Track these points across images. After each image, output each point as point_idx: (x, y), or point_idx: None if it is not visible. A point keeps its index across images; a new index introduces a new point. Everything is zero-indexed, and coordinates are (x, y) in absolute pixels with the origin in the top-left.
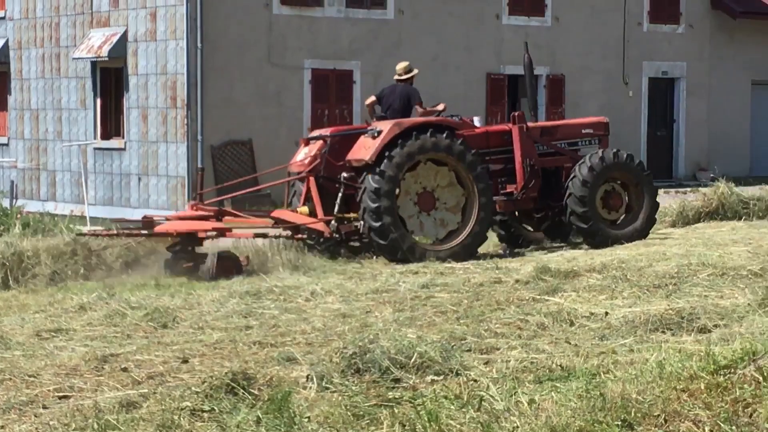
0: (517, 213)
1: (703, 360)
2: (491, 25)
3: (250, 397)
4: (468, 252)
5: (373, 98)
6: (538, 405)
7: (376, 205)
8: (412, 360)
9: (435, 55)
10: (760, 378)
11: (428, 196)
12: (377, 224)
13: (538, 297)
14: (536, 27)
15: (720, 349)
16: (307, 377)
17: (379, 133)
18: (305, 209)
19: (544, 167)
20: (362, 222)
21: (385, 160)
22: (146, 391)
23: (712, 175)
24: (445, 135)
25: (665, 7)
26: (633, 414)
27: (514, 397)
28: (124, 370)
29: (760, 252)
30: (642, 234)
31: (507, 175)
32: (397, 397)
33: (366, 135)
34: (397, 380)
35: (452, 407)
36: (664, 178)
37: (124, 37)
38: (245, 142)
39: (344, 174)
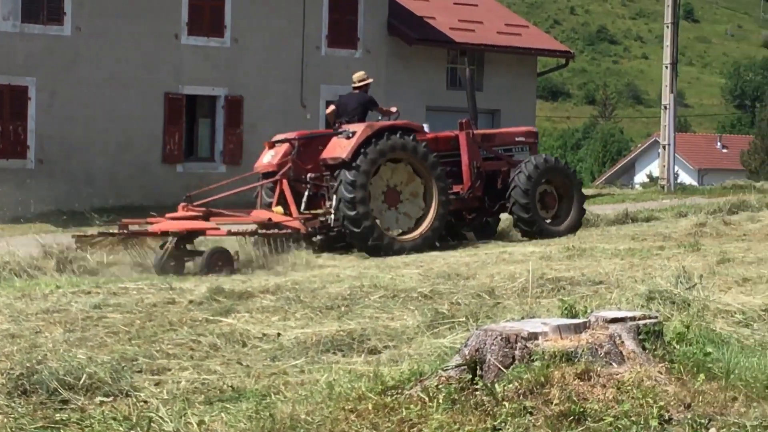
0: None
1: (371, 381)
2: (170, 44)
3: None
4: (428, 243)
5: (332, 107)
6: (208, 426)
7: (351, 195)
8: (81, 381)
9: (113, 73)
10: (426, 398)
11: (394, 192)
12: (352, 213)
13: (212, 318)
14: (215, 48)
15: (388, 369)
16: None
17: (353, 133)
18: (280, 209)
19: (486, 170)
20: (335, 212)
21: (361, 156)
22: None
23: None
24: (411, 137)
25: (343, 32)
26: None
27: (183, 418)
28: None
29: (430, 275)
30: (572, 230)
31: (453, 177)
32: (64, 418)
33: (339, 136)
34: (65, 401)
35: (121, 429)
36: None
37: None
38: None
39: (310, 175)
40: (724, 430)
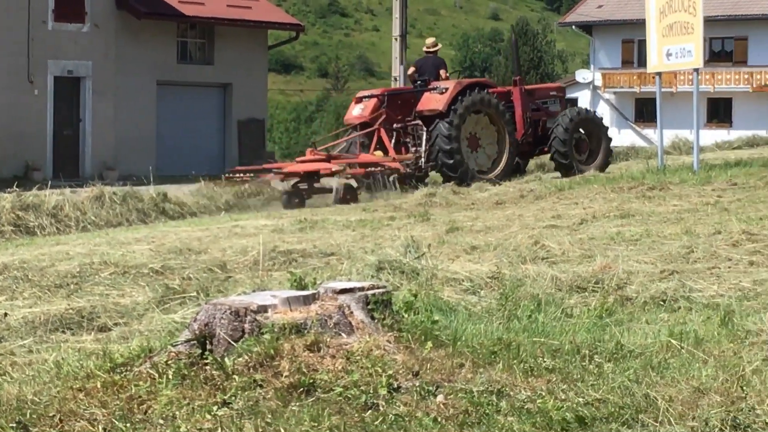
0: None
1: (100, 359)
2: None
3: None
4: (501, 179)
5: (413, 68)
6: None
7: (448, 132)
8: None
9: None
10: (156, 374)
11: (474, 138)
12: (447, 147)
13: None
14: None
15: (118, 347)
16: None
17: (446, 89)
18: (379, 153)
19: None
20: (433, 148)
21: (457, 104)
22: None
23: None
24: (493, 94)
25: (70, 6)
26: (28, 415)
27: None
28: None
29: (162, 250)
30: (601, 169)
31: None
32: None
33: (432, 92)
34: None
35: None
36: (71, 177)
37: None
38: None
39: (396, 125)
40: (452, 396)
